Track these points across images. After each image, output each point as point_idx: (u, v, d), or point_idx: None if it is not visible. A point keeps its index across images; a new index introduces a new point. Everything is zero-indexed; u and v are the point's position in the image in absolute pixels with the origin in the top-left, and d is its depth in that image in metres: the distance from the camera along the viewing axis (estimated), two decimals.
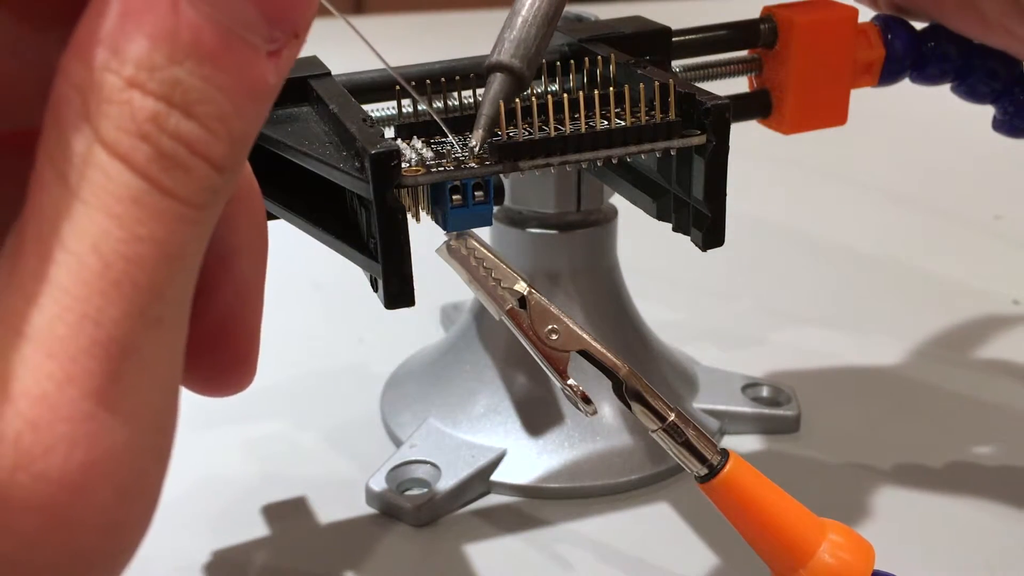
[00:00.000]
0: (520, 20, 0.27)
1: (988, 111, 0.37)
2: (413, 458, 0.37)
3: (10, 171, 0.17)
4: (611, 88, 0.28)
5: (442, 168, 0.26)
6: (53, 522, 0.15)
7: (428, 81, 0.30)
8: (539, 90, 0.31)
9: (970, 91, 0.37)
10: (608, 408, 0.38)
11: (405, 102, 0.30)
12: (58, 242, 0.15)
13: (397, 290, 0.26)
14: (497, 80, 0.26)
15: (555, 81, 0.31)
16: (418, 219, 0.27)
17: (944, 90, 0.37)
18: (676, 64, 0.34)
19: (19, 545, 0.14)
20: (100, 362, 0.15)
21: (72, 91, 0.15)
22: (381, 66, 0.30)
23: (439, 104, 0.30)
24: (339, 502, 0.37)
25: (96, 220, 0.15)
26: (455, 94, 0.30)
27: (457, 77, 0.31)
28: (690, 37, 0.34)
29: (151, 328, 0.15)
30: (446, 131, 0.27)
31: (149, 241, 0.15)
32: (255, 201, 0.19)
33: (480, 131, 0.26)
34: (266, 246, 0.20)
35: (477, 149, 0.26)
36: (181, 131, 0.15)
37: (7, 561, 0.14)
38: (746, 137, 0.35)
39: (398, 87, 0.30)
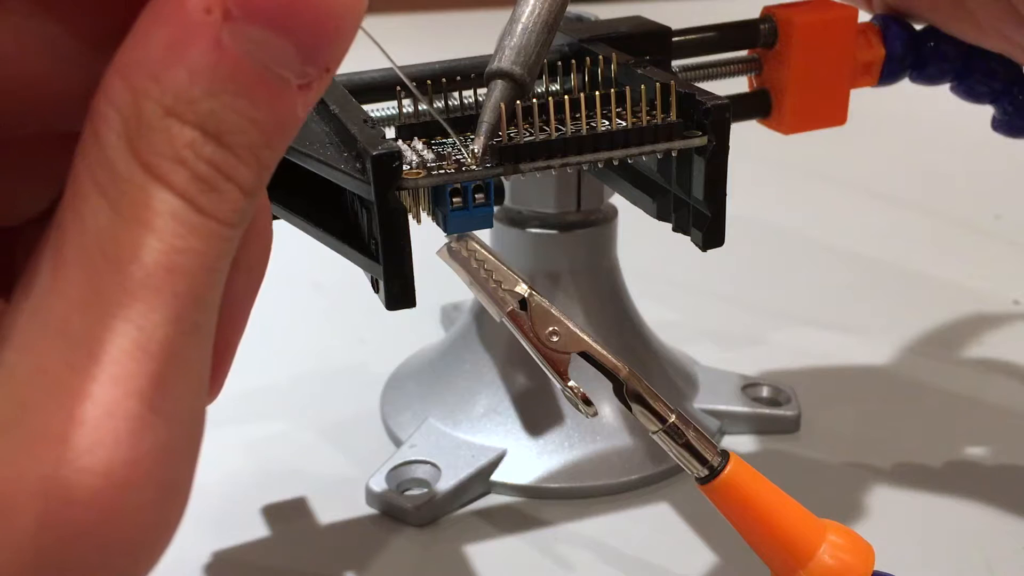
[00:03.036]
0: (520, 27, 0.27)
1: (988, 111, 0.37)
2: (413, 458, 0.37)
3: (36, 169, 0.18)
4: (611, 88, 0.28)
5: (443, 171, 0.26)
6: (98, 516, 0.15)
7: (429, 81, 0.30)
8: (539, 90, 0.31)
9: (969, 91, 0.37)
10: (608, 408, 0.38)
11: (406, 102, 0.30)
12: (101, 253, 0.15)
13: (398, 291, 0.26)
14: (498, 87, 0.26)
15: (555, 81, 0.31)
16: (419, 220, 0.27)
17: (944, 90, 0.37)
18: (676, 64, 0.34)
19: (65, 538, 0.15)
20: (142, 364, 0.15)
21: (113, 111, 0.16)
22: (381, 66, 0.30)
23: (439, 104, 0.30)
24: (339, 502, 0.37)
25: (137, 233, 0.15)
26: (455, 94, 0.30)
27: (458, 77, 0.31)
28: (690, 37, 0.34)
29: (189, 334, 0.16)
30: (450, 132, 0.27)
31: (187, 253, 0.16)
32: (265, 222, 0.20)
33: (482, 138, 0.26)
34: (265, 266, 0.21)
35: (479, 155, 0.26)
36: (215, 158, 0.16)
37: (52, 553, 0.15)
38: (746, 137, 0.35)
39: (399, 87, 0.30)
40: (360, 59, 0.28)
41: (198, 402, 0.17)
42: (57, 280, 0.16)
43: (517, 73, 0.26)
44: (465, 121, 0.29)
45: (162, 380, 0.16)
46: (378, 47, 0.24)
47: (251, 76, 0.16)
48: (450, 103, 0.30)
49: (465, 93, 0.30)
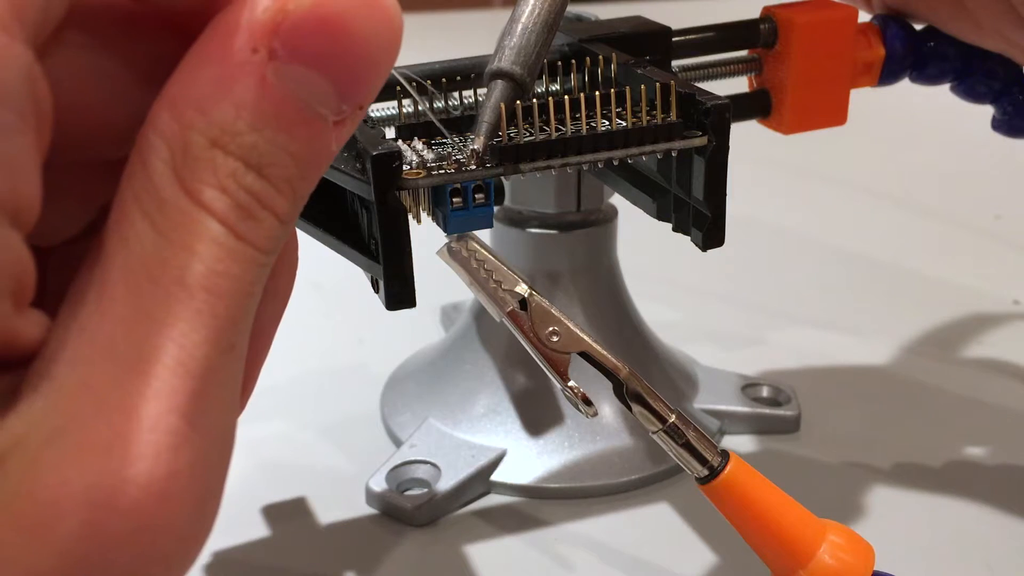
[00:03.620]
0: (520, 27, 0.27)
1: (988, 111, 0.37)
2: (413, 458, 0.37)
3: (76, 194, 0.19)
4: (611, 88, 0.28)
5: (443, 171, 0.26)
6: (138, 526, 0.16)
7: (428, 81, 0.30)
8: (540, 90, 0.31)
9: (969, 91, 0.37)
10: (608, 408, 0.38)
11: (406, 102, 0.30)
12: (145, 274, 0.16)
13: (398, 291, 0.26)
14: (498, 87, 0.26)
15: (556, 81, 0.31)
16: (419, 220, 0.27)
17: (944, 90, 0.37)
18: (676, 64, 0.34)
19: (106, 545, 0.16)
20: (183, 381, 0.16)
21: (160, 141, 0.16)
22: None
23: (439, 104, 0.30)
24: (339, 502, 0.37)
25: (180, 256, 0.16)
26: (455, 94, 0.30)
27: (458, 77, 0.31)
28: (690, 37, 0.34)
29: (226, 353, 0.17)
30: (444, 132, 0.27)
31: (226, 276, 0.17)
32: (292, 251, 0.21)
33: (481, 138, 0.26)
34: (290, 293, 0.21)
35: (479, 154, 0.26)
36: (255, 188, 0.17)
37: (94, 559, 0.16)
38: (746, 137, 0.35)
39: (399, 87, 0.30)
40: None
41: (231, 419, 0.18)
42: (103, 299, 0.16)
43: (517, 73, 0.26)
44: (465, 121, 0.29)
45: (200, 397, 0.16)
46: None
47: (292, 112, 0.17)
48: (450, 103, 0.30)
49: (465, 93, 0.30)
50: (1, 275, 0.15)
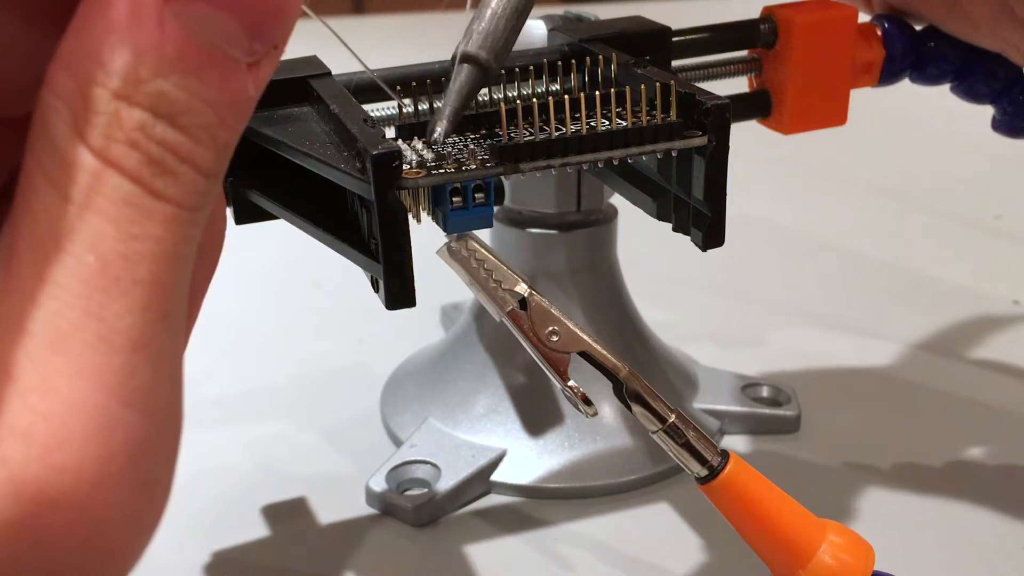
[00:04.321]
0: (490, 12, 0.26)
1: (988, 111, 0.37)
2: (413, 458, 0.37)
3: None
4: (611, 88, 0.28)
5: (443, 170, 0.26)
6: (72, 518, 0.15)
7: (428, 81, 0.30)
8: (540, 90, 0.31)
9: (969, 91, 0.37)
10: (608, 408, 0.38)
11: (406, 101, 0.30)
12: (54, 244, 0.15)
13: (398, 291, 0.26)
14: (464, 71, 0.26)
15: (555, 81, 0.31)
16: (419, 220, 0.27)
17: (944, 90, 0.37)
18: (676, 64, 0.34)
19: (40, 541, 0.14)
20: (107, 357, 0.15)
21: (59, 101, 0.15)
22: (381, 66, 0.30)
23: (439, 104, 0.30)
24: (339, 502, 0.37)
25: (91, 222, 0.15)
26: None
27: None
28: (690, 37, 0.34)
29: (158, 323, 0.16)
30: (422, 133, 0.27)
31: (145, 239, 0.15)
32: (218, 207, 0.20)
33: (444, 122, 0.26)
34: (220, 251, 0.20)
35: (441, 140, 0.26)
36: (168, 139, 0.16)
37: (27, 558, 0.14)
38: (746, 137, 0.35)
39: (399, 87, 0.30)
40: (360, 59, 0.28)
41: (174, 395, 0.16)
42: (11, 275, 0.15)
43: (483, 58, 0.26)
44: (465, 121, 0.29)
45: (132, 372, 0.15)
46: (345, 46, 0.24)
47: (198, 55, 0.15)
48: None
49: None
50: None
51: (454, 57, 0.26)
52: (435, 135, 0.26)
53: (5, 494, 0.14)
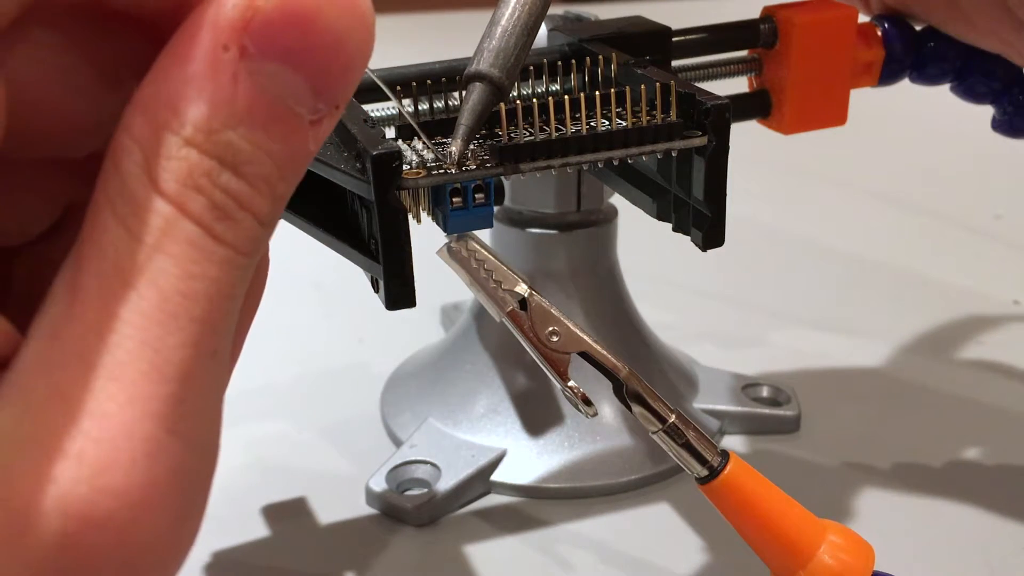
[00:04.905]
0: (500, 30, 0.27)
1: (988, 111, 0.37)
2: (413, 458, 0.37)
3: (40, 192, 0.19)
4: (611, 88, 0.28)
5: (443, 170, 0.26)
6: (115, 538, 0.15)
7: (429, 81, 0.30)
8: (540, 90, 0.31)
9: (969, 91, 0.37)
10: (608, 408, 0.38)
11: (406, 102, 0.30)
12: (119, 278, 0.16)
13: (398, 291, 0.26)
14: (476, 90, 0.26)
15: (555, 81, 0.31)
16: (419, 220, 0.27)
17: (944, 90, 0.37)
18: (676, 64, 0.34)
19: (84, 558, 0.15)
20: (159, 387, 0.16)
21: (132, 143, 0.16)
22: (380, 66, 0.30)
23: (439, 104, 0.30)
24: (339, 502, 0.37)
25: (154, 259, 0.16)
26: (456, 94, 0.30)
27: (457, 77, 0.31)
28: (690, 37, 0.34)
29: (207, 358, 0.16)
30: (422, 136, 0.27)
31: (203, 279, 0.16)
32: (264, 254, 0.21)
33: (459, 141, 0.26)
34: (262, 293, 0.21)
35: (456, 159, 0.26)
36: (231, 187, 0.17)
37: (72, 573, 0.15)
38: (746, 137, 0.35)
39: (399, 87, 0.30)
40: None
41: (214, 427, 0.17)
42: (75, 305, 0.16)
43: (495, 76, 0.26)
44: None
45: (179, 403, 0.16)
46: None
47: (266, 110, 0.16)
48: (450, 103, 0.30)
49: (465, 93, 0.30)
50: None
51: (465, 76, 0.27)
52: (451, 151, 0.26)
53: (54, 511, 0.15)
